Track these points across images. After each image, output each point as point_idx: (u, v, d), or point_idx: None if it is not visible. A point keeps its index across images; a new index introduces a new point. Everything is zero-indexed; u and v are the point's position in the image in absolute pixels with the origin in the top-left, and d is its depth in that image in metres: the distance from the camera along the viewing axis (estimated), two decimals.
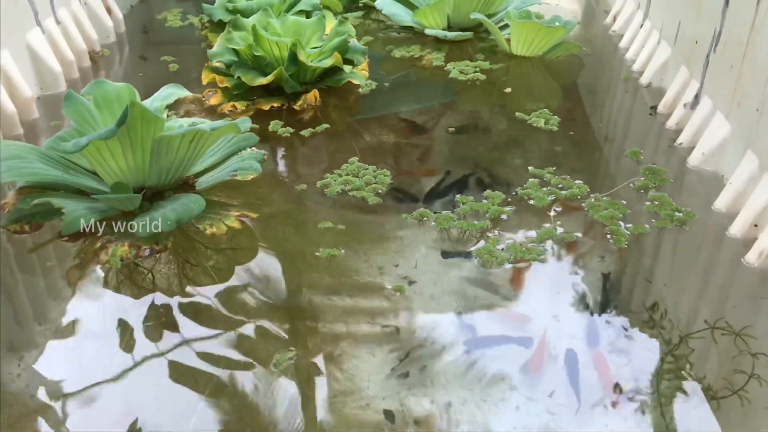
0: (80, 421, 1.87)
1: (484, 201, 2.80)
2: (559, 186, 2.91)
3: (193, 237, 2.61)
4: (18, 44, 3.53)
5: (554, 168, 3.04)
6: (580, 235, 2.61)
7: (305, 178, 3.00)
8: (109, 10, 4.70)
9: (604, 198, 2.82)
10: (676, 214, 2.69)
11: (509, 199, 2.82)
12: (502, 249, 2.51)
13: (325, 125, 3.42)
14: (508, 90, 3.92)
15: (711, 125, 2.99)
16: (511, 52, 4.40)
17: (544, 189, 2.89)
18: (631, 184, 2.90)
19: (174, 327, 2.20)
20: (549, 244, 2.57)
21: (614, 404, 1.91)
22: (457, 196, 2.84)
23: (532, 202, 2.81)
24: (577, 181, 2.94)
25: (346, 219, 2.72)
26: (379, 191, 2.89)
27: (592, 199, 2.82)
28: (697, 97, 3.20)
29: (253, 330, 2.18)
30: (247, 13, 4.28)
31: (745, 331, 2.13)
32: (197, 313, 2.26)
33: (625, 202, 2.78)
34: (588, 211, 2.74)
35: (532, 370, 2.02)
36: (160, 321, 2.23)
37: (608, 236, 2.60)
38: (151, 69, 4.32)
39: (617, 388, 1.96)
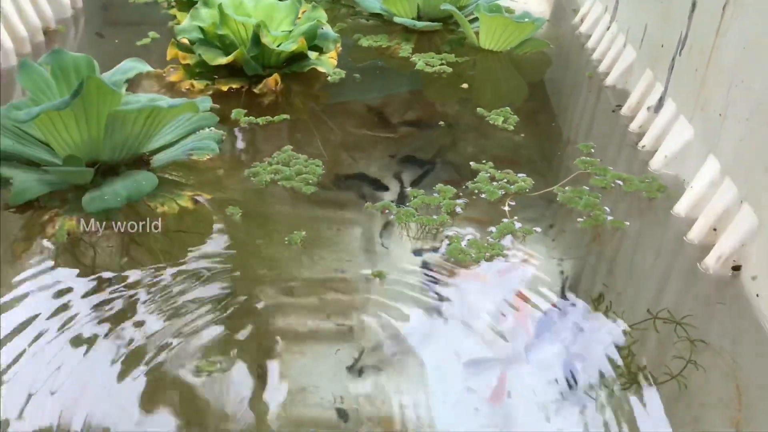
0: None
1: (435, 195, 2.76)
2: (506, 181, 2.88)
3: (143, 215, 2.52)
4: None
5: (505, 165, 3.01)
6: (539, 229, 2.60)
7: (248, 164, 2.93)
8: None
9: (565, 190, 2.81)
10: (608, 218, 2.69)
11: (460, 193, 2.79)
12: (465, 244, 2.48)
13: (285, 116, 3.33)
14: (465, 85, 3.89)
15: (674, 129, 3.00)
16: (479, 45, 4.38)
17: (495, 183, 2.86)
18: (586, 186, 2.89)
19: (112, 309, 2.11)
20: (509, 238, 2.54)
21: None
22: (408, 189, 2.79)
23: (483, 195, 2.78)
24: (520, 175, 2.93)
25: (298, 207, 2.66)
26: (310, 181, 2.81)
27: (554, 190, 2.83)
28: (661, 101, 3.22)
29: (197, 320, 2.10)
30: None
31: (701, 337, 2.12)
32: (137, 295, 2.18)
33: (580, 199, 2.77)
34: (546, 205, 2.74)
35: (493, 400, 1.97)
36: (99, 300, 2.14)
37: (552, 238, 2.60)
38: (109, 46, 4.19)
39: None
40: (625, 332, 2.14)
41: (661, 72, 3.26)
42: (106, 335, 2.01)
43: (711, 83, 2.75)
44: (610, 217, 2.67)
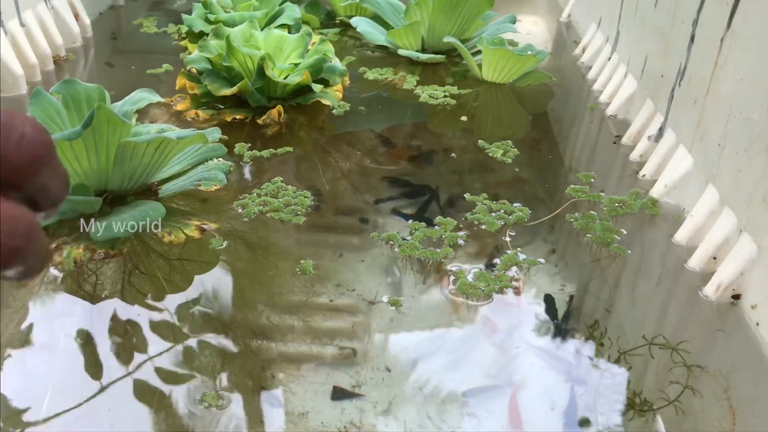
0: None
1: (437, 227, 2.78)
2: (504, 211, 2.91)
3: (149, 244, 2.56)
4: None
5: (501, 196, 3.04)
6: (542, 260, 2.62)
7: (249, 193, 2.97)
8: (76, 16, 4.65)
9: (576, 216, 2.84)
10: (616, 243, 2.73)
11: (461, 225, 2.81)
12: (472, 278, 2.50)
13: (288, 148, 3.37)
14: (464, 118, 3.94)
15: (674, 158, 3.04)
16: (483, 77, 4.44)
17: (493, 214, 2.89)
18: (575, 215, 2.92)
19: (117, 336, 2.15)
20: (514, 270, 2.57)
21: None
22: (409, 221, 2.82)
23: (483, 227, 2.81)
24: (516, 205, 2.96)
25: (303, 239, 2.70)
26: (298, 212, 2.83)
27: (567, 217, 2.85)
28: (661, 130, 3.26)
29: (197, 346, 2.13)
30: (229, 24, 4.27)
31: (699, 363, 2.14)
32: (140, 323, 2.21)
33: (582, 226, 2.80)
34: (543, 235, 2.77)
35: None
36: (102, 328, 2.17)
37: (555, 264, 2.62)
38: (120, 76, 4.27)
39: None
40: (621, 358, 2.16)
41: (662, 102, 3.31)
42: (108, 361, 2.04)
43: (710, 113, 2.80)
44: (617, 244, 2.70)
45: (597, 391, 2.04)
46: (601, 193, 3.07)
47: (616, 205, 2.98)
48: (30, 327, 2.16)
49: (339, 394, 1.97)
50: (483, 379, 2.06)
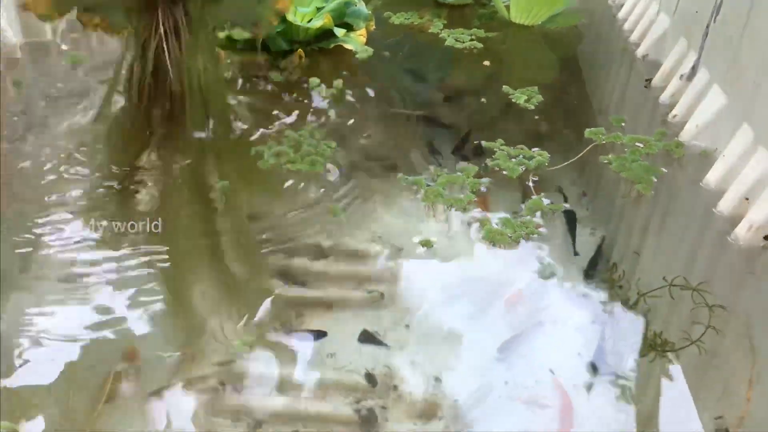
0: None
1: (459, 174, 2.72)
2: (523, 156, 2.84)
3: None
4: None
5: (520, 141, 2.95)
6: (567, 206, 2.56)
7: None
8: None
9: (609, 158, 2.77)
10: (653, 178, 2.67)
11: (482, 172, 2.74)
12: (498, 225, 2.44)
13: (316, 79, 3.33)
14: (487, 63, 3.83)
15: (707, 97, 2.92)
16: (510, 19, 4.32)
17: (513, 160, 2.82)
18: (603, 158, 2.84)
19: None
20: (539, 215, 2.51)
21: None
22: (432, 167, 2.76)
23: (505, 173, 2.75)
24: (534, 149, 2.88)
25: (328, 185, 2.68)
26: (319, 162, 2.74)
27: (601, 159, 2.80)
28: (694, 69, 3.13)
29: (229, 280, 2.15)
30: None
31: (726, 305, 2.08)
32: None
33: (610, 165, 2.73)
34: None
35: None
36: None
37: (586, 207, 2.57)
38: None
39: None
40: (643, 300, 2.11)
41: (695, 40, 3.18)
42: None
43: (746, 51, 2.67)
44: (647, 186, 2.63)
45: (622, 333, 2.00)
46: (620, 134, 2.98)
47: (638, 144, 2.89)
48: None
49: (367, 337, 1.96)
50: (509, 330, 2.02)
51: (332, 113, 3.16)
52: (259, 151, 2.78)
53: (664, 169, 2.74)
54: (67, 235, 2.26)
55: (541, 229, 2.42)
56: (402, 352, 1.92)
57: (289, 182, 2.63)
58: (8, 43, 3.37)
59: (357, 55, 3.77)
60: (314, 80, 3.39)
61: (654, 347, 1.96)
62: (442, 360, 1.91)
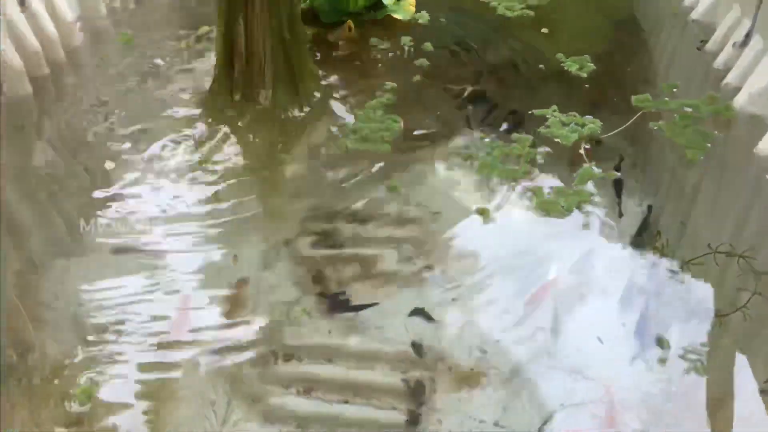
0: None
1: (514, 145, 2.76)
2: (576, 123, 2.87)
3: None
4: None
5: (571, 108, 2.98)
6: (619, 174, 2.59)
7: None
8: None
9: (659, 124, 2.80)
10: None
11: (536, 140, 2.79)
12: (550, 194, 2.50)
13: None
14: (545, 30, 3.81)
15: (761, 65, 2.90)
16: None
17: (566, 128, 2.85)
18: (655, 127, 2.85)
19: None
20: (590, 184, 2.55)
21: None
22: (486, 140, 2.81)
23: (557, 140, 2.79)
24: (587, 117, 2.92)
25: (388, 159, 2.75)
26: (386, 138, 2.83)
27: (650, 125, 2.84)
28: (748, 36, 3.10)
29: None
30: None
31: None
32: None
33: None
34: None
35: None
36: None
37: (636, 175, 2.60)
38: None
39: None
40: (687, 267, 2.17)
41: (749, 6, 3.14)
42: None
43: None
44: (701, 152, 2.67)
45: (669, 300, 2.05)
46: (667, 99, 2.99)
47: (686, 109, 2.91)
48: None
49: (415, 310, 2.04)
50: (555, 301, 2.09)
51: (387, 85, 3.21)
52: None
53: (716, 133, 2.75)
54: None
55: (593, 198, 2.47)
56: (449, 325, 2.01)
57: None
58: (64, 20, 3.36)
59: (410, 20, 3.78)
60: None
61: (699, 314, 2.01)
62: (487, 331, 1.99)
